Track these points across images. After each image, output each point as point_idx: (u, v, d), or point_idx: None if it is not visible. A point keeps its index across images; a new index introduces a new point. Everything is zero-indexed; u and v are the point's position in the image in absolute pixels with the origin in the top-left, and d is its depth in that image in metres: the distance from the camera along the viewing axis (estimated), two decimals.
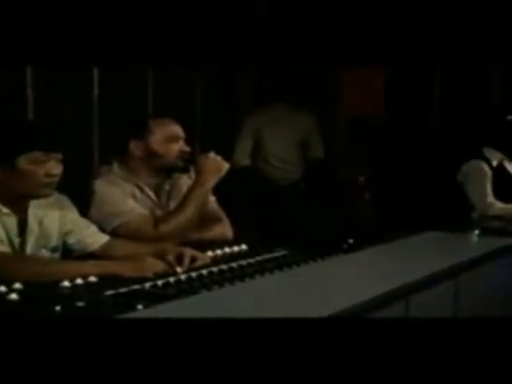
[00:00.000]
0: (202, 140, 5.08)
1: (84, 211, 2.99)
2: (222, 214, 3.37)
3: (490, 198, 4.41)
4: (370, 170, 5.16)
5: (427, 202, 4.65)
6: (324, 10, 2.79)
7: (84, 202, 3.05)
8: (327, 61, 3.41)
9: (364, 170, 5.15)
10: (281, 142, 5.10)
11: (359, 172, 5.13)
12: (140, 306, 2.16)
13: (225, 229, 3.33)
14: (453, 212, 4.27)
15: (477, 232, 3.73)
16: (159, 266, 2.63)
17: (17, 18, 2.65)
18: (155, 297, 2.29)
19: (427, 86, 5.91)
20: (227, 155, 3.39)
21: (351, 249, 3.12)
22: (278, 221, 4.06)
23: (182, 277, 2.56)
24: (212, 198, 3.35)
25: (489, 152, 4.50)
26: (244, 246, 3.12)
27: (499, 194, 4.42)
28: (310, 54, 2.87)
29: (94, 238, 2.85)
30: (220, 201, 3.39)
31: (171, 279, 2.51)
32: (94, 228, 2.89)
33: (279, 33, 2.81)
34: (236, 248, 3.09)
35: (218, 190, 3.34)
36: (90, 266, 2.56)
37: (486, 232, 3.77)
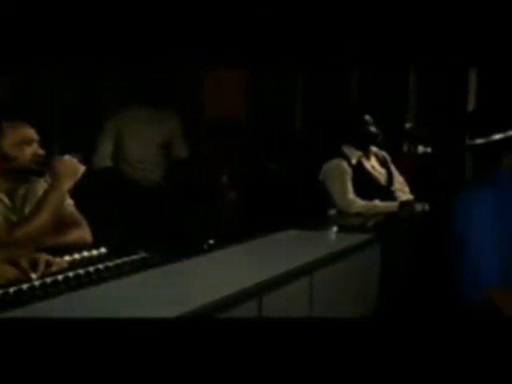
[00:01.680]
0: (60, 142, 4.99)
1: None
2: (80, 217, 3.31)
3: (351, 196, 4.52)
4: (233, 170, 5.20)
5: (291, 201, 4.73)
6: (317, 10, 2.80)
7: None
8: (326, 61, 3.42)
9: (228, 170, 5.19)
10: (142, 143, 5.05)
11: (223, 172, 5.16)
12: None
13: (83, 232, 3.28)
14: (315, 210, 4.36)
15: (335, 229, 3.82)
16: (11, 272, 2.57)
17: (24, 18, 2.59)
18: (6, 304, 2.24)
19: (290, 86, 6.02)
20: (87, 157, 3.35)
21: (212, 249, 3.15)
22: (139, 223, 4.04)
23: (36, 283, 2.51)
24: (70, 202, 3.29)
25: (348, 150, 4.61)
26: (103, 250, 3.08)
27: (359, 191, 4.54)
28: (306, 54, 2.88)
29: None
30: (78, 204, 3.34)
31: (24, 286, 2.46)
32: None
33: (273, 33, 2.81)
34: (95, 252, 3.05)
35: (76, 193, 3.29)
36: None
37: (344, 229, 3.87)
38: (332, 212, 4.02)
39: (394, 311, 3.64)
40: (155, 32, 2.72)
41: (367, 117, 4.65)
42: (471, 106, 5.67)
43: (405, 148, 5.60)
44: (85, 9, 2.66)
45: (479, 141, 2.91)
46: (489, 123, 2.91)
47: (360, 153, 4.64)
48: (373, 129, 4.66)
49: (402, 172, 4.89)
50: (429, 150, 5.57)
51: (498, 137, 2.86)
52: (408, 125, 5.86)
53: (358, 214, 4.43)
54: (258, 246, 3.38)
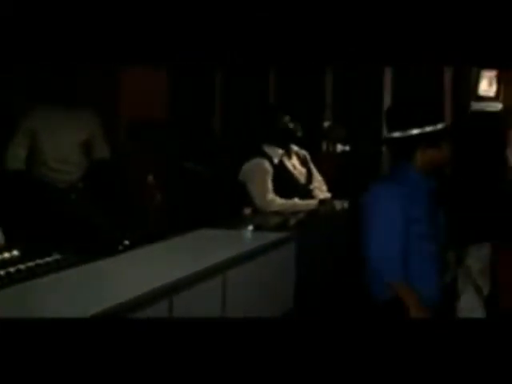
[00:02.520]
0: None
1: None
2: None
3: (271, 196, 4.52)
4: (158, 170, 5.20)
5: (209, 201, 4.74)
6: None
7: None
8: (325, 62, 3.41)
9: (152, 170, 5.18)
10: (59, 143, 4.96)
11: (145, 172, 5.15)
12: None
13: None
14: (233, 210, 4.37)
15: (250, 228, 3.85)
16: None
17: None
18: None
19: (209, 86, 6.05)
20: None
21: (127, 249, 3.15)
22: (52, 224, 4.01)
23: None
24: None
25: (269, 149, 4.63)
26: (16, 252, 3.06)
27: (279, 190, 4.57)
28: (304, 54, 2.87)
29: None
30: None
31: None
32: None
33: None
34: (7, 254, 3.02)
35: None
36: None
37: (259, 228, 3.91)
38: (247, 211, 4.04)
39: (311, 310, 3.69)
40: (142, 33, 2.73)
41: (286, 115, 4.69)
42: (386, 104, 5.77)
43: (323, 147, 5.68)
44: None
45: (395, 134, 2.96)
46: (406, 118, 2.96)
47: (282, 151, 4.67)
48: (292, 126, 4.70)
49: (320, 170, 4.95)
50: (347, 148, 5.66)
51: (413, 132, 2.92)
52: (326, 124, 5.95)
53: (276, 213, 4.45)
54: (171, 245, 3.38)
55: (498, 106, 5.89)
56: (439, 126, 2.94)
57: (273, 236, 3.68)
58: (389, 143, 3.03)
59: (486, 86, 5.83)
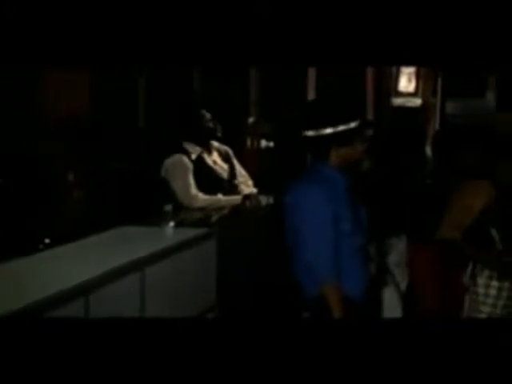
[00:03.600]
0: None
1: None
2: None
3: (194, 191, 4.54)
4: (79, 169, 5.16)
5: (134, 198, 4.72)
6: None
7: None
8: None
9: (74, 169, 5.14)
10: None
11: (69, 171, 5.11)
12: None
13: None
14: (156, 207, 4.36)
15: (171, 224, 3.87)
16: None
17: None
18: None
19: (132, 85, 6.04)
20: None
21: (48, 248, 3.16)
22: None
23: None
24: None
25: (189, 146, 4.66)
26: None
27: (201, 186, 4.59)
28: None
29: None
30: None
31: None
32: None
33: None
34: None
35: None
36: None
37: (180, 224, 3.93)
38: (168, 208, 4.05)
39: (233, 306, 3.71)
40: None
41: (205, 113, 4.73)
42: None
43: (248, 143, 5.73)
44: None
45: (309, 133, 2.98)
46: (319, 117, 2.99)
47: (200, 148, 4.71)
48: (211, 124, 4.73)
49: (245, 166, 4.98)
50: (271, 144, 5.72)
51: (328, 131, 2.95)
52: (250, 120, 5.99)
53: (200, 209, 4.47)
54: (91, 243, 3.39)
55: (417, 102, 6.05)
56: (352, 125, 2.97)
57: (193, 232, 3.70)
58: (304, 142, 3.04)
59: (406, 82, 5.99)
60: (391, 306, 4.29)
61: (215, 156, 4.81)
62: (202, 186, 4.60)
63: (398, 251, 4.41)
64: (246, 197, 4.75)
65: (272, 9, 2.86)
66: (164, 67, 5.66)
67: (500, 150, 3.46)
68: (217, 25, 2.84)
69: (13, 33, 2.67)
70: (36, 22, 2.69)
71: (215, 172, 4.75)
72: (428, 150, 5.53)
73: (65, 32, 2.72)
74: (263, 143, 5.72)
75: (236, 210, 4.59)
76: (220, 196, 4.65)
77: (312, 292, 2.94)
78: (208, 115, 4.73)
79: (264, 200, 4.76)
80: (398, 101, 6.03)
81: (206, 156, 4.73)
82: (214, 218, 4.33)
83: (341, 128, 2.93)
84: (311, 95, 6.12)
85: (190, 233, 3.66)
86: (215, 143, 4.84)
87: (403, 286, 4.40)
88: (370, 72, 6.13)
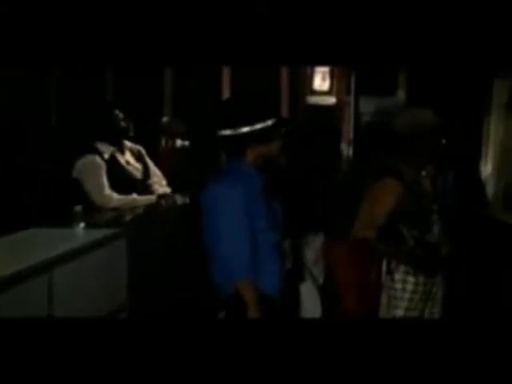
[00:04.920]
0: None
1: None
2: None
3: (107, 191, 4.47)
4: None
5: (45, 199, 4.63)
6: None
7: None
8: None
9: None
10: None
11: None
12: None
13: None
14: (68, 207, 4.27)
15: (80, 225, 3.80)
16: None
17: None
18: None
19: (46, 85, 5.93)
20: None
21: None
22: None
23: None
24: None
25: (101, 146, 4.59)
26: None
27: (115, 186, 4.52)
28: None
29: None
30: None
31: None
32: None
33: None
34: None
35: None
36: None
37: (90, 225, 3.86)
38: (78, 208, 3.97)
39: (145, 306, 3.67)
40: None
41: (118, 112, 4.67)
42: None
43: (162, 142, 5.67)
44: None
45: (225, 132, 2.98)
46: (234, 116, 2.98)
47: (113, 148, 4.64)
48: (124, 124, 4.68)
49: (159, 165, 4.94)
50: (186, 143, 5.67)
51: (245, 130, 2.95)
52: (164, 119, 5.96)
53: (113, 209, 4.41)
54: None
55: (331, 100, 6.10)
56: (268, 123, 2.98)
57: (102, 233, 3.66)
58: (220, 141, 3.04)
59: (320, 80, 6.03)
60: (309, 301, 4.32)
61: (128, 156, 4.76)
62: (115, 186, 4.54)
63: (314, 248, 4.44)
64: (161, 196, 4.73)
65: (272, 9, 2.87)
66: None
67: (398, 148, 3.50)
68: (216, 25, 2.83)
69: (13, 33, 2.62)
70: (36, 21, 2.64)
71: (128, 172, 4.69)
72: (343, 147, 5.59)
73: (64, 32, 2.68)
74: (178, 142, 5.67)
75: (150, 209, 4.55)
76: (134, 196, 4.60)
77: (227, 290, 2.94)
78: (121, 114, 4.67)
79: (179, 199, 4.73)
80: (312, 99, 6.07)
81: (118, 156, 4.67)
82: (128, 217, 4.27)
83: (258, 126, 2.95)
84: (226, 94, 6.12)
85: (99, 233, 3.61)
86: (128, 143, 4.78)
87: (321, 281, 4.43)
88: (284, 71, 6.16)
